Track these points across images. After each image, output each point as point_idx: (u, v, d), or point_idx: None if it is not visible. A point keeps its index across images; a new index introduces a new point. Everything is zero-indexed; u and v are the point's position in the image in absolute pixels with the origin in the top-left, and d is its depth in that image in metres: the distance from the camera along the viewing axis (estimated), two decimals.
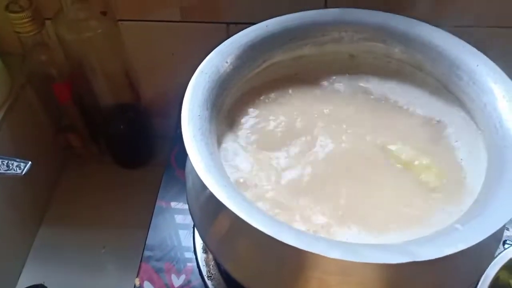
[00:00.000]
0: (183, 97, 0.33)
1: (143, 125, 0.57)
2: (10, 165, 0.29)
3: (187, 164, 0.34)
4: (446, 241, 0.23)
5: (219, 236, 0.29)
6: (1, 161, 0.29)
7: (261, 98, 0.35)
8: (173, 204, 0.43)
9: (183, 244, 0.40)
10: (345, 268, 0.25)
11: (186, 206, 0.42)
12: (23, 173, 0.29)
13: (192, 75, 0.32)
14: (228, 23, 0.47)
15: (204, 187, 0.30)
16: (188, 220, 0.42)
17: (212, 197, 0.29)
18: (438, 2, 0.42)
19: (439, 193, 0.30)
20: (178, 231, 0.42)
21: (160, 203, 0.43)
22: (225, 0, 0.46)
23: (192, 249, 0.40)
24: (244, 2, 0.45)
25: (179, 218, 0.42)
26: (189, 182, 0.33)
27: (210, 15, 0.47)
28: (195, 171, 0.31)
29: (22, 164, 0.29)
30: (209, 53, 0.33)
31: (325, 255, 0.23)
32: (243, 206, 0.25)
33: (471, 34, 0.34)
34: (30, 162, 0.29)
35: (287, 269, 0.26)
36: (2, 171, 0.28)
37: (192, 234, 0.41)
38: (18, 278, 0.50)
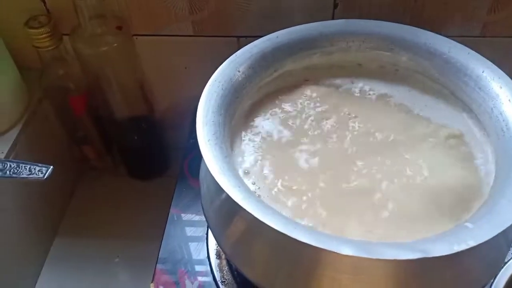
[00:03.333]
0: (196, 109, 0.34)
1: (157, 136, 0.58)
2: (33, 169, 0.30)
3: (202, 169, 0.35)
4: (457, 238, 0.24)
5: (234, 238, 0.29)
6: (24, 166, 0.30)
7: (273, 104, 0.36)
8: (186, 213, 0.44)
9: (197, 251, 0.41)
10: (357, 266, 0.26)
11: (197, 218, 0.43)
12: (45, 177, 0.30)
13: (204, 88, 0.33)
14: (238, 37, 0.49)
15: (219, 190, 0.31)
16: (200, 231, 0.42)
17: (227, 199, 0.30)
18: (444, 13, 0.44)
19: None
20: (190, 240, 0.42)
21: (173, 211, 0.44)
22: (235, 14, 0.47)
23: (206, 255, 0.40)
24: (254, 16, 0.47)
25: (191, 230, 0.43)
26: (204, 187, 0.34)
27: (221, 29, 0.49)
28: (210, 175, 0.32)
29: (44, 168, 0.30)
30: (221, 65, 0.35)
31: (338, 252, 0.23)
32: (258, 206, 0.26)
33: (475, 44, 0.36)
34: (51, 167, 0.31)
35: (300, 268, 0.27)
36: (24, 175, 0.30)
37: (205, 241, 0.41)
38: (34, 286, 0.51)
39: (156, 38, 0.50)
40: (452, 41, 0.36)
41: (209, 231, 0.42)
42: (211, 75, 0.34)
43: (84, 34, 0.45)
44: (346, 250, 0.23)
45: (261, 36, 0.37)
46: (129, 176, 0.60)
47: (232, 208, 0.29)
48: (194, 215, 0.44)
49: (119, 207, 0.57)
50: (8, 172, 0.30)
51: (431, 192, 0.30)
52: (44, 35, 0.45)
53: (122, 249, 0.53)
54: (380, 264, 0.25)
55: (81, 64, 0.48)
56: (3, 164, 0.31)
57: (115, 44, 0.46)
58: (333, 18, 0.45)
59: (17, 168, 0.31)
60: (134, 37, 0.49)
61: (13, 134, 0.48)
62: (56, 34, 0.46)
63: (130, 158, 0.59)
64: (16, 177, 0.30)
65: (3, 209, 0.45)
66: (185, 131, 0.53)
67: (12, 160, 0.31)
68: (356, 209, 0.29)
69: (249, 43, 0.36)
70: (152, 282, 0.39)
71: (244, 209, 0.25)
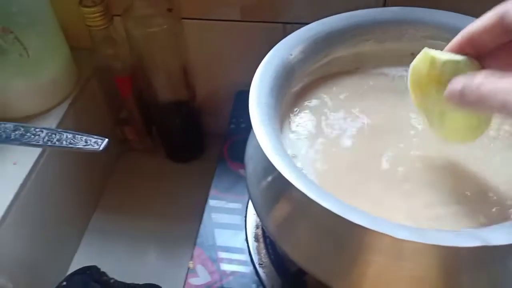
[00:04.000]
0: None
1: (196, 121, 0.59)
2: (88, 141, 0.31)
3: (248, 151, 0.35)
4: None
5: (281, 218, 0.29)
6: (80, 137, 0.31)
7: (322, 89, 0.36)
8: (225, 195, 0.45)
9: (234, 235, 0.41)
10: (407, 252, 0.25)
11: (234, 205, 0.44)
12: (101, 148, 0.31)
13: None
14: (285, 23, 0.49)
15: (268, 170, 0.31)
16: (236, 218, 0.43)
17: (276, 179, 0.30)
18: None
19: None
20: (228, 226, 0.43)
21: (213, 192, 0.44)
22: (283, 0, 0.47)
23: (244, 238, 0.41)
24: (301, 2, 0.47)
25: (228, 217, 0.43)
26: (250, 168, 0.34)
27: (268, 15, 0.49)
28: (258, 155, 0.32)
29: (99, 140, 0.31)
30: (264, 53, 0.34)
31: (393, 235, 0.23)
32: (310, 187, 0.25)
33: None
34: (107, 139, 0.31)
35: (348, 251, 0.27)
36: (80, 146, 0.30)
37: (244, 224, 0.42)
38: (72, 259, 0.52)
39: (203, 22, 0.50)
40: None
41: (248, 213, 0.42)
42: (252, 62, 0.33)
43: (135, 14, 0.46)
44: (401, 234, 0.23)
45: (308, 23, 0.37)
46: (167, 158, 0.61)
47: (282, 188, 0.29)
48: (228, 202, 0.44)
49: (156, 187, 0.58)
50: (64, 142, 0.31)
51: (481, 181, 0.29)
52: (96, 14, 0.46)
53: (158, 227, 0.54)
54: (433, 250, 0.25)
55: (130, 45, 0.49)
56: (60, 135, 0.32)
57: (165, 26, 0.47)
58: (384, 5, 0.44)
59: (73, 139, 0.31)
60: (183, 20, 0.50)
61: (61, 110, 0.49)
62: (107, 13, 0.47)
63: (169, 141, 0.60)
64: (72, 147, 0.31)
65: (50, 182, 0.47)
66: (222, 117, 0.53)
67: (68, 131, 0.32)
68: (407, 197, 0.29)
69: (295, 30, 0.36)
70: (191, 260, 0.39)
71: (297, 189, 0.25)
